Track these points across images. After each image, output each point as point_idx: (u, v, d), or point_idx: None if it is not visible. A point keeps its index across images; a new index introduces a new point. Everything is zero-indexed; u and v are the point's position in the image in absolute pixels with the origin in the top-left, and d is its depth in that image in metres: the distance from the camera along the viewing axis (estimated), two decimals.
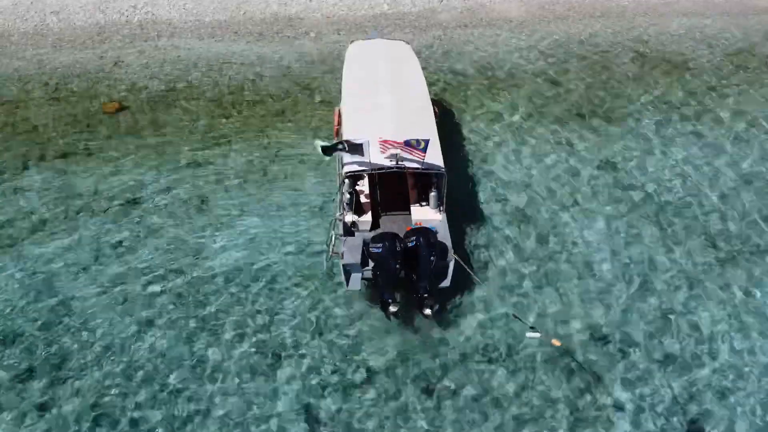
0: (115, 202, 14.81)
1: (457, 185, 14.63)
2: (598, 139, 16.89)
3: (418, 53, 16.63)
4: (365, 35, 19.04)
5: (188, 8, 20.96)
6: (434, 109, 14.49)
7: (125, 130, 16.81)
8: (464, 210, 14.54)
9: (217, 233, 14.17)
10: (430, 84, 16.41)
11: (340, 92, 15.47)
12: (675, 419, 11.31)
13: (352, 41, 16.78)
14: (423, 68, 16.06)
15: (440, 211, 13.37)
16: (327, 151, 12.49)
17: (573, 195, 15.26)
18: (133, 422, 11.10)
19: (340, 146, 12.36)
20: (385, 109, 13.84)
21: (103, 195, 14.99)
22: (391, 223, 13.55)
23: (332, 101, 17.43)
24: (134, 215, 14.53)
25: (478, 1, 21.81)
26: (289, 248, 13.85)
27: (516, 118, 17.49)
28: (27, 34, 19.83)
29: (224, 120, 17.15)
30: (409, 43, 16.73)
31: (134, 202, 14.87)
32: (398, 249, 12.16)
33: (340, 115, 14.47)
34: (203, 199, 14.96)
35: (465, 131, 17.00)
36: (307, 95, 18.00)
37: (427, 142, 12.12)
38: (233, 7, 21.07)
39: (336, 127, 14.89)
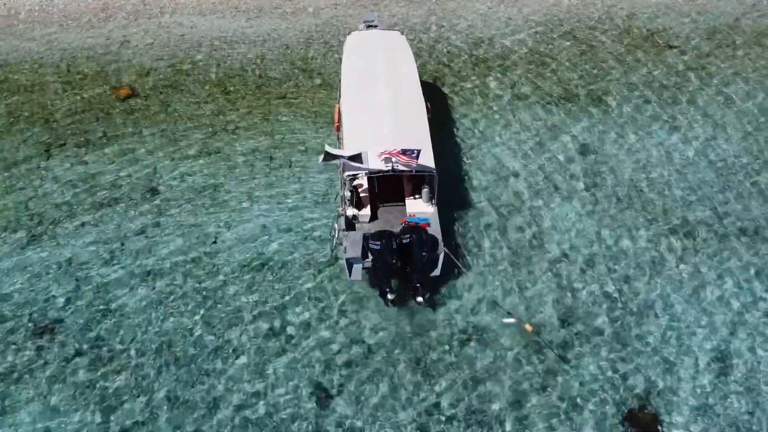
0: (134, 191, 16.18)
1: (447, 172, 15.97)
2: (582, 123, 18.06)
3: (410, 29, 17.29)
4: (362, 10, 19.81)
5: None
6: (427, 105, 15.66)
7: (137, 116, 17.91)
8: (454, 198, 15.98)
9: (229, 220, 15.63)
10: (422, 64, 17.34)
11: (339, 84, 16.53)
12: (636, 391, 13.30)
13: (350, 32, 17.60)
14: (415, 47, 16.94)
15: (432, 204, 14.87)
16: (327, 158, 13.80)
17: (554, 182, 16.61)
18: (156, 399, 12.97)
19: (342, 157, 13.69)
20: (381, 109, 15.03)
21: (123, 183, 16.34)
22: (387, 214, 15.10)
23: (331, 83, 18.46)
24: (153, 204, 15.94)
25: None
26: (296, 235, 15.37)
27: (505, 99, 18.58)
28: (33, 12, 20.43)
29: (229, 105, 18.22)
30: (403, 33, 17.58)
31: (152, 191, 16.24)
32: (394, 246, 13.76)
33: (339, 113, 15.64)
34: (215, 187, 16.32)
35: (455, 116, 18.14)
36: (308, 78, 18.98)
37: (419, 151, 13.46)
38: None
39: (336, 124, 16.07)
